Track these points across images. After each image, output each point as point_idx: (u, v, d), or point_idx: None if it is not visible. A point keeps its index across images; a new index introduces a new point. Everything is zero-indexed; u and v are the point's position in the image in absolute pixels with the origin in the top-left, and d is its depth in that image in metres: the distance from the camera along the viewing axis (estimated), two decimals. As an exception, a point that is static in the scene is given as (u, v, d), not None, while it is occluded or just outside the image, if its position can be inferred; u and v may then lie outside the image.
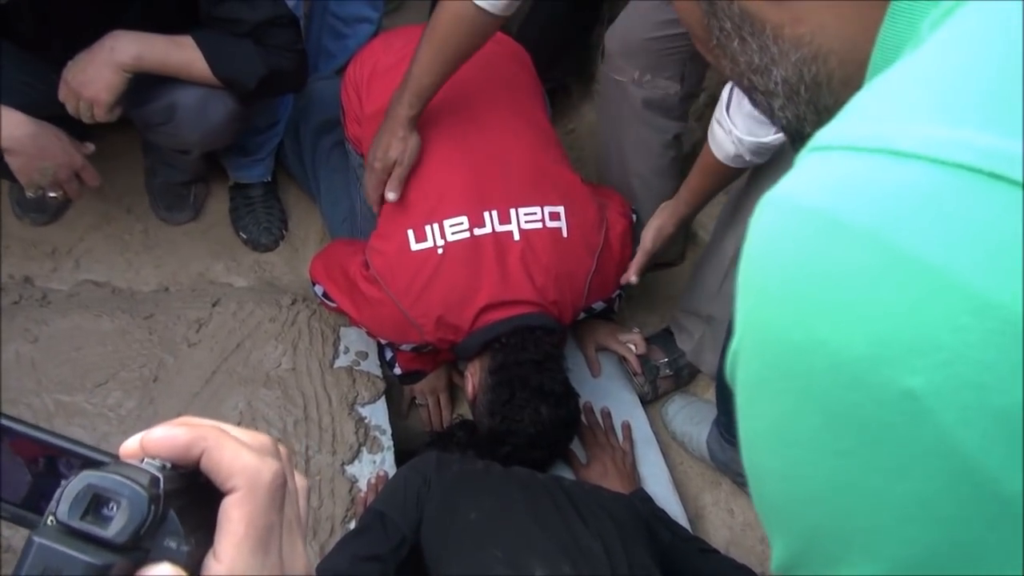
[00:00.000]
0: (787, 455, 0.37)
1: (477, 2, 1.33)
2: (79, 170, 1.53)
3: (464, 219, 1.49)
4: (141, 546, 0.32)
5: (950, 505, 0.32)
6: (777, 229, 0.32)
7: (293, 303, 1.83)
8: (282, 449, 0.38)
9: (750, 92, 0.48)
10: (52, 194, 1.55)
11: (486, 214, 1.50)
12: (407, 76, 1.46)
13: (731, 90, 1.37)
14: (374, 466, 1.65)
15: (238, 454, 0.35)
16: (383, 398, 1.75)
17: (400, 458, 1.67)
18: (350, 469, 1.63)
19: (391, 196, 1.52)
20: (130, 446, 0.35)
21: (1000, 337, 0.27)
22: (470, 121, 1.58)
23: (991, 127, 0.28)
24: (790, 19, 0.44)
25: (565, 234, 1.53)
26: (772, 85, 0.45)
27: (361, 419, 1.70)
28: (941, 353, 0.28)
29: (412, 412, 1.89)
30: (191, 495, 0.34)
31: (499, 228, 1.50)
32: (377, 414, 1.73)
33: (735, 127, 1.36)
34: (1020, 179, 0.27)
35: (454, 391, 1.86)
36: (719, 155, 1.42)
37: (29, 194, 1.54)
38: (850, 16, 0.40)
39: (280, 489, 0.35)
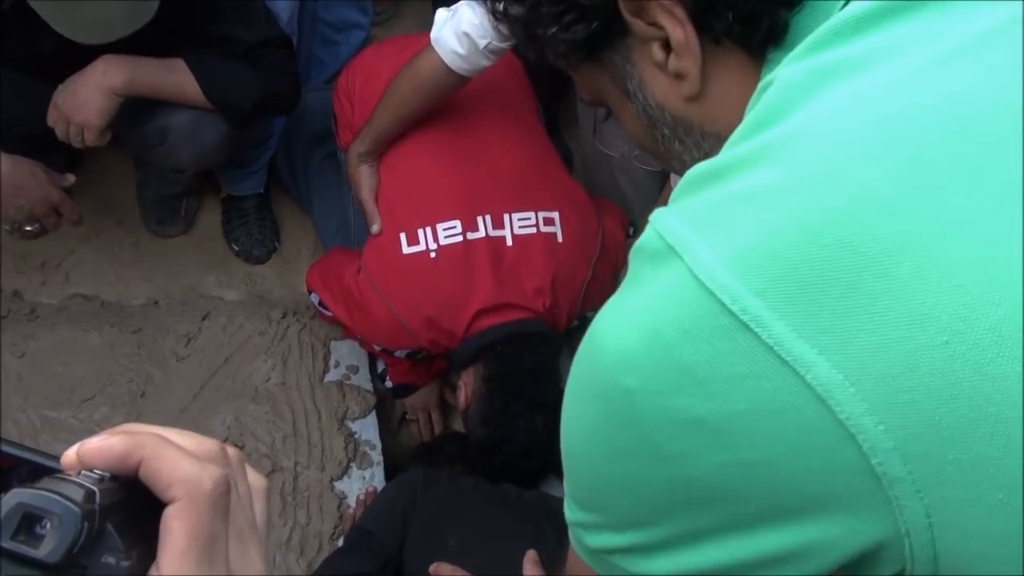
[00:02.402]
0: (568, 428, 0.55)
1: (451, 66, 1.36)
2: (56, 204, 1.51)
3: (457, 223, 1.48)
4: (77, 563, 0.31)
5: (651, 487, 0.49)
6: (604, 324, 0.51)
7: (283, 317, 1.82)
8: (231, 452, 0.37)
9: None
10: (28, 228, 1.53)
11: (479, 218, 1.49)
12: (370, 116, 1.53)
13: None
14: (363, 482, 1.63)
15: (178, 463, 0.34)
16: (373, 413, 1.73)
17: (390, 473, 1.65)
18: (339, 485, 1.61)
19: (373, 229, 1.54)
20: (68, 457, 0.34)
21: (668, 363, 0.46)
22: (463, 126, 1.57)
23: (757, 294, 0.43)
24: (708, 119, 0.60)
25: (560, 239, 1.52)
26: None
27: (351, 434, 1.68)
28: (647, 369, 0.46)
29: (403, 427, 1.88)
30: (131, 507, 0.33)
31: (492, 233, 1.49)
32: (367, 429, 1.70)
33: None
34: (748, 324, 0.43)
35: (445, 408, 1.84)
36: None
37: (5, 227, 1.52)
38: (741, 107, 0.54)
39: (223, 497, 0.34)
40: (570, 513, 0.59)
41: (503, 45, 1.34)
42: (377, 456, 1.67)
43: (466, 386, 1.53)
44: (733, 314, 0.43)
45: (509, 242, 1.49)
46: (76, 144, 1.47)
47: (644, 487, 0.50)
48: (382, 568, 1.25)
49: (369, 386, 1.77)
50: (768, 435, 0.44)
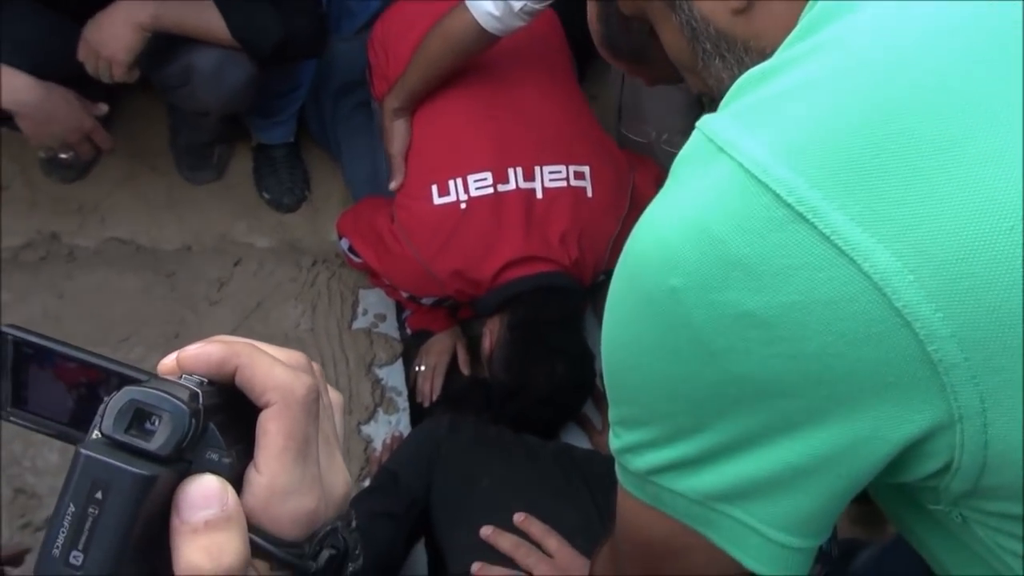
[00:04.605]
0: (611, 341, 0.55)
1: (484, 26, 1.36)
2: (90, 133, 1.54)
3: (488, 175, 1.49)
4: (184, 458, 0.33)
5: (699, 389, 0.49)
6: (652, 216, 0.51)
7: (313, 264, 1.85)
8: (316, 366, 0.38)
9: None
10: (63, 155, 1.56)
11: (510, 171, 1.49)
12: (403, 72, 1.53)
13: None
14: (389, 427, 1.67)
15: (271, 369, 0.35)
16: (400, 360, 1.76)
17: (416, 420, 1.69)
18: (365, 429, 1.65)
19: (392, 185, 1.56)
20: (167, 363, 0.36)
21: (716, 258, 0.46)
22: (498, 79, 1.57)
23: (813, 185, 0.43)
24: (753, 35, 0.58)
25: (590, 194, 1.52)
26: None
27: (378, 380, 1.72)
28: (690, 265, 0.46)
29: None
30: (229, 411, 0.35)
31: (523, 185, 1.50)
32: (394, 376, 1.74)
33: None
34: (805, 215, 0.43)
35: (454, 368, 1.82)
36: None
37: (40, 155, 1.55)
38: (788, 23, 0.53)
39: (314, 403, 0.35)
40: (615, 440, 0.59)
41: (538, 6, 1.33)
42: (403, 402, 1.71)
43: (491, 333, 1.55)
44: (789, 205, 0.43)
45: (539, 195, 1.50)
46: (105, 80, 1.49)
47: (692, 390, 0.49)
48: (408, 509, 1.28)
49: (396, 334, 1.80)
50: (820, 326, 0.44)
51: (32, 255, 1.79)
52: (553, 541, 1.15)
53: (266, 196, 1.98)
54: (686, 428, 0.51)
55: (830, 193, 0.43)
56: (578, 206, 1.51)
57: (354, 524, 0.39)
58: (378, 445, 1.63)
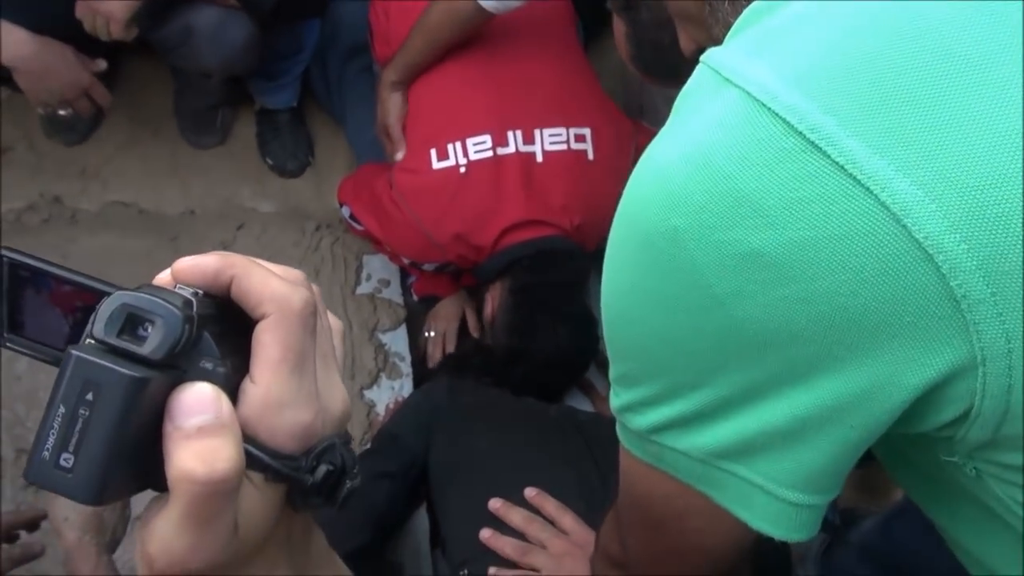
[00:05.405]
0: (610, 292, 0.52)
1: (484, 6, 1.35)
2: (88, 88, 1.52)
3: (487, 138, 1.47)
4: (177, 365, 0.32)
5: (702, 339, 0.46)
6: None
7: (317, 229, 1.84)
8: (315, 287, 0.37)
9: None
10: (62, 112, 1.55)
11: (510, 134, 1.48)
12: (403, 43, 1.51)
13: None
14: (392, 392, 1.67)
15: (267, 281, 0.34)
16: (404, 326, 1.76)
17: (418, 385, 1.69)
18: (368, 394, 1.65)
19: (397, 157, 1.54)
20: (162, 277, 0.35)
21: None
22: (496, 41, 1.55)
23: (827, 111, 0.40)
24: None
25: (591, 157, 1.50)
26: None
27: (381, 345, 1.71)
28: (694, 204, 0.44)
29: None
30: (224, 324, 0.34)
31: (523, 148, 1.48)
32: (397, 341, 1.74)
33: None
34: (818, 143, 0.41)
35: (464, 330, 1.83)
36: None
37: (39, 111, 1.54)
38: None
39: (311, 317, 0.34)
40: (615, 399, 0.56)
41: None
42: (406, 368, 1.71)
43: (493, 299, 1.54)
44: (800, 134, 0.40)
45: (539, 158, 1.48)
46: (103, 37, 1.47)
47: (693, 341, 0.47)
48: (407, 470, 1.28)
49: (400, 300, 1.79)
50: (833, 264, 0.41)
51: (35, 218, 1.79)
52: (568, 519, 1.11)
53: (269, 162, 1.97)
54: (687, 383, 0.49)
55: (845, 119, 0.40)
56: (579, 169, 1.49)
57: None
58: (381, 410, 1.63)
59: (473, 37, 1.52)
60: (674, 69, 0.71)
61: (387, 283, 1.81)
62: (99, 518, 0.93)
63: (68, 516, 0.92)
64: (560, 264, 1.49)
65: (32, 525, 1.02)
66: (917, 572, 1.06)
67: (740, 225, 0.42)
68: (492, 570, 1.09)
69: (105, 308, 0.32)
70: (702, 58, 0.47)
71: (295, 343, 0.33)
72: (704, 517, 0.54)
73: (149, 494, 0.33)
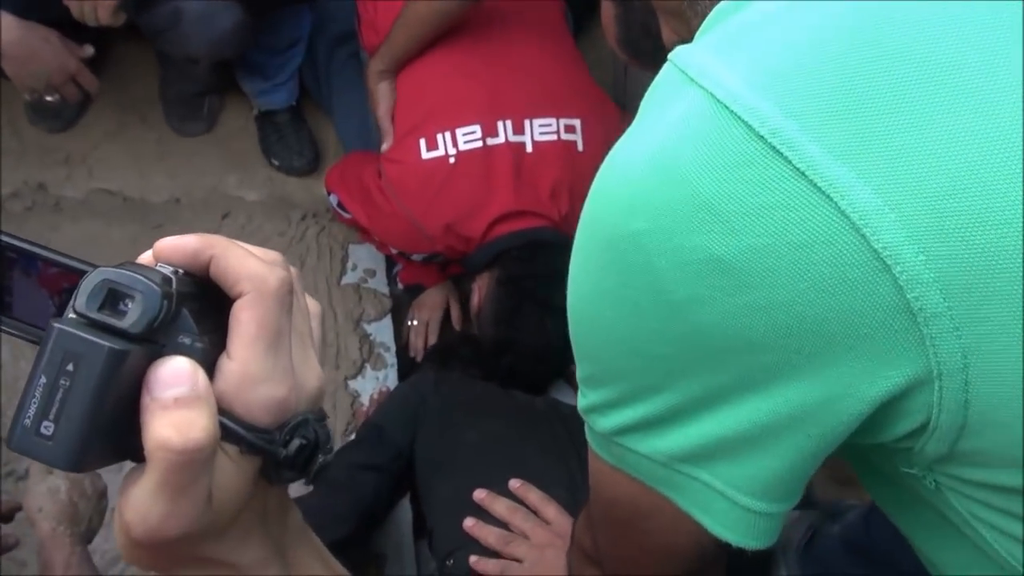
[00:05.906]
0: (575, 293, 0.52)
1: None
2: (74, 74, 1.51)
3: (477, 128, 1.46)
4: (156, 340, 0.33)
5: (663, 343, 0.46)
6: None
7: (303, 218, 1.83)
8: (293, 270, 0.38)
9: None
10: (49, 98, 1.53)
11: (500, 124, 1.47)
12: (389, 34, 1.51)
13: None
14: (377, 382, 1.66)
15: (245, 260, 0.35)
16: (389, 316, 1.75)
17: (404, 375, 1.68)
18: (353, 384, 1.65)
19: (384, 147, 1.53)
20: (144, 257, 0.36)
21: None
22: (485, 31, 1.54)
23: (789, 115, 0.40)
24: None
25: (580, 148, 1.50)
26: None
27: (366, 336, 1.71)
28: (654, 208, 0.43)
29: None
30: (203, 302, 0.35)
31: (512, 138, 1.47)
32: (382, 332, 1.73)
33: None
34: (777, 147, 0.40)
35: (447, 322, 1.83)
36: None
37: (26, 97, 1.53)
38: None
39: (288, 296, 0.35)
40: (582, 399, 0.56)
41: None
42: (391, 358, 1.70)
43: (480, 289, 1.54)
44: (762, 138, 0.40)
45: (529, 148, 1.47)
46: (91, 22, 1.46)
47: (655, 345, 0.46)
48: (392, 461, 1.28)
49: (385, 290, 1.78)
50: (791, 272, 0.40)
51: (18, 205, 1.77)
52: (551, 509, 1.13)
53: (275, 163, 1.94)
54: (648, 386, 0.49)
55: (807, 123, 0.39)
56: (568, 160, 1.48)
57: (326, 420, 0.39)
58: (365, 400, 1.63)
59: (463, 26, 1.51)
60: (662, 54, 0.70)
61: (372, 273, 1.80)
62: (74, 508, 0.93)
63: (43, 507, 0.91)
64: (549, 255, 1.48)
65: (7, 517, 1.01)
66: (899, 564, 1.07)
67: (700, 230, 0.42)
68: (473, 558, 1.10)
69: (87, 283, 0.33)
70: (670, 56, 0.47)
71: (271, 321, 0.34)
72: (667, 519, 0.54)
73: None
